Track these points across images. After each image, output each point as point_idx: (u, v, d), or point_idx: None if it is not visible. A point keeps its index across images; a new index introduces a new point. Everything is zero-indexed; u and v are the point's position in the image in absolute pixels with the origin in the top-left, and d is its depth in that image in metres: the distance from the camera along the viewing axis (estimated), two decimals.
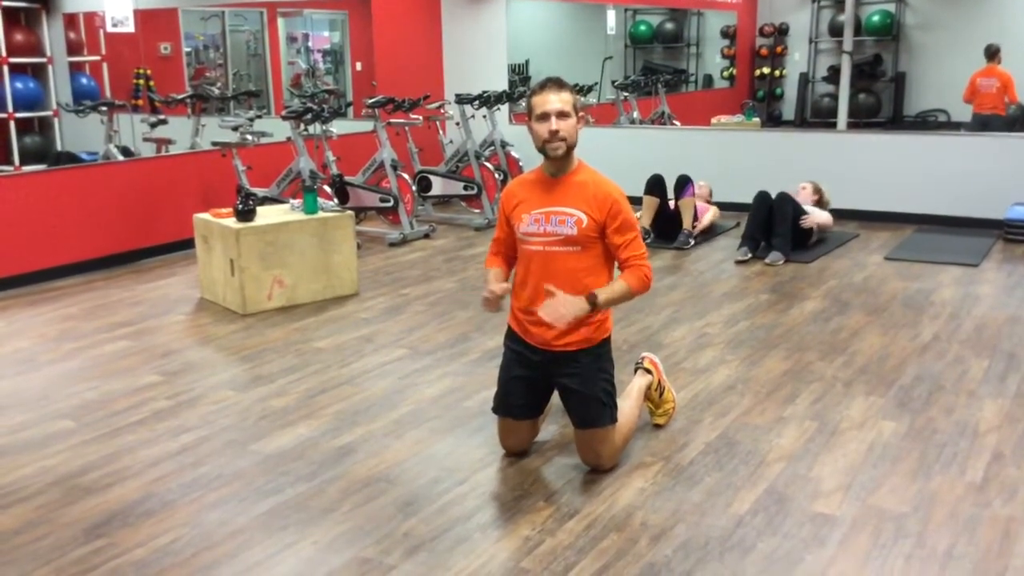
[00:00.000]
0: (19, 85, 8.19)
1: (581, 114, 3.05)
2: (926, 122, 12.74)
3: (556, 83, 3.02)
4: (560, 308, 2.91)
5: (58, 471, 3.20)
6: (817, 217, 6.32)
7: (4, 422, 3.65)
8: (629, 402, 3.29)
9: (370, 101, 7.09)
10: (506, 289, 3.12)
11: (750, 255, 6.10)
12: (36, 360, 4.40)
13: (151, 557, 2.65)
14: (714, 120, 10.78)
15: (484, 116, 7.88)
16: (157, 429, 3.55)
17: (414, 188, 7.33)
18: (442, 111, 8.09)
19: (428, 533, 2.75)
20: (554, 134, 2.98)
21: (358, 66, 8.92)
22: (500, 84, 8.52)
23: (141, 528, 2.81)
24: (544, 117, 2.99)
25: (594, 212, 3.00)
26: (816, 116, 13.42)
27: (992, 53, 9.93)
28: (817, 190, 6.67)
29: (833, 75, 12.96)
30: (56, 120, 8.39)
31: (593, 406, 3.06)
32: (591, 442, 3.08)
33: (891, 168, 7.26)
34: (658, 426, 3.47)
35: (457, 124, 7.82)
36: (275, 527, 2.80)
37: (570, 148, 3.04)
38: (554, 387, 3.19)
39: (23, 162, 8.06)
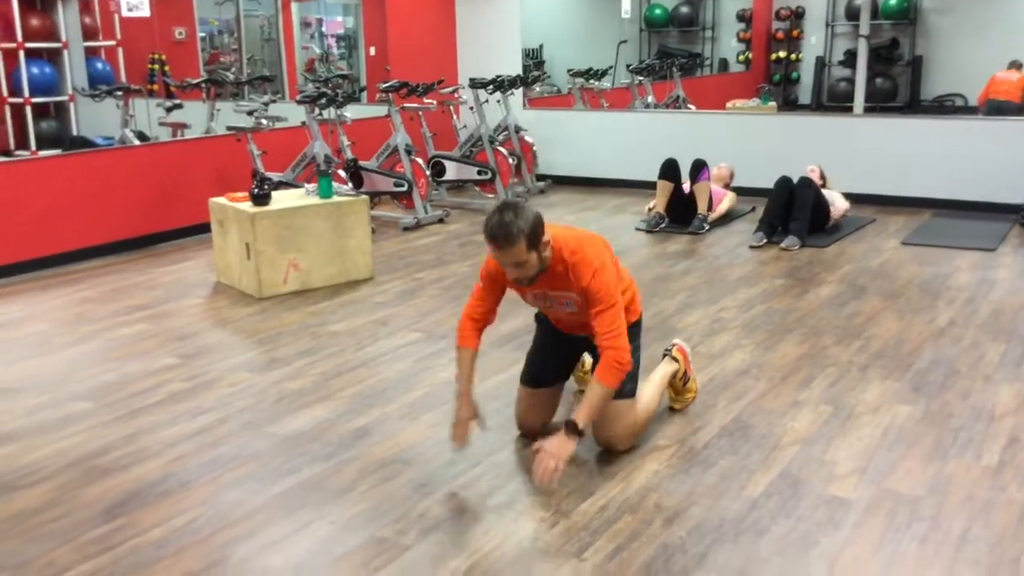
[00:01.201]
0: (35, 70, 8.21)
1: (545, 240, 2.83)
2: (943, 106, 12.64)
3: (504, 239, 2.75)
4: (551, 464, 2.75)
5: (76, 452, 3.23)
6: (843, 208, 6.34)
7: (22, 404, 3.68)
8: (650, 388, 3.28)
9: (384, 86, 7.08)
10: (476, 421, 3.01)
11: (765, 240, 6.08)
12: (53, 343, 4.44)
13: (169, 537, 2.67)
14: (729, 104, 10.73)
15: (498, 101, 7.87)
16: (174, 411, 3.58)
17: (428, 173, 7.33)
18: (456, 96, 8.08)
19: (443, 514, 2.77)
20: (515, 278, 2.92)
21: (372, 51, 8.91)
22: (514, 69, 8.49)
23: (159, 508, 2.84)
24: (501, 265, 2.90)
25: (580, 291, 2.93)
26: (832, 100, 13.33)
27: (1018, 67, 10.18)
28: (822, 175, 6.66)
29: (850, 59, 12.86)
30: (72, 105, 8.40)
31: None
32: (607, 415, 3.08)
33: (908, 153, 7.21)
34: (673, 410, 3.47)
35: (471, 109, 7.80)
36: (292, 507, 2.82)
37: (538, 270, 2.90)
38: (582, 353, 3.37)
39: (39, 147, 8.08)
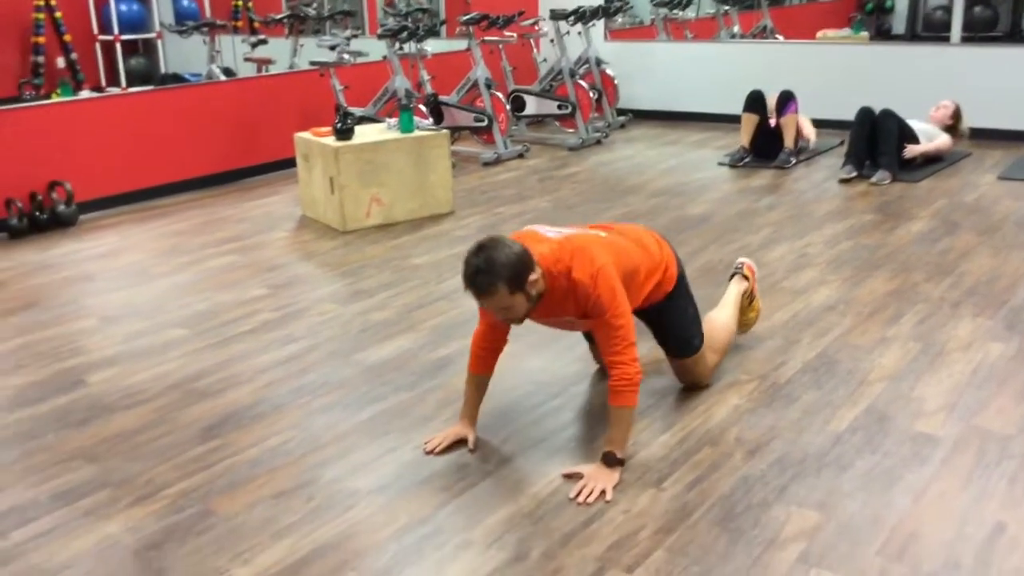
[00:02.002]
0: (124, 8, 8.40)
1: (532, 278, 2.49)
2: None
3: (480, 288, 2.47)
4: (599, 489, 2.51)
5: (174, 376, 3.37)
6: (924, 148, 6.06)
7: (122, 330, 3.85)
8: (726, 311, 3.28)
9: (464, 18, 7.03)
10: (468, 441, 2.79)
11: (855, 173, 5.91)
12: (149, 272, 4.60)
13: (263, 456, 2.79)
14: (819, 34, 10.35)
15: (579, 33, 7.75)
16: (265, 339, 3.69)
17: (508, 107, 7.30)
18: (536, 28, 7.97)
19: (523, 442, 2.82)
20: (504, 320, 2.70)
21: None
22: None
23: (253, 430, 2.95)
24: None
25: (580, 313, 2.67)
26: (928, 30, 12.73)
27: None
28: (957, 114, 6.36)
29: None
30: (160, 42, 8.59)
31: (681, 336, 3.04)
32: (684, 369, 3.10)
33: (1007, 84, 6.89)
34: (748, 344, 3.44)
35: (551, 41, 7.70)
36: (378, 432, 2.91)
37: (529, 308, 2.59)
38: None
39: (129, 83, 8.30)
